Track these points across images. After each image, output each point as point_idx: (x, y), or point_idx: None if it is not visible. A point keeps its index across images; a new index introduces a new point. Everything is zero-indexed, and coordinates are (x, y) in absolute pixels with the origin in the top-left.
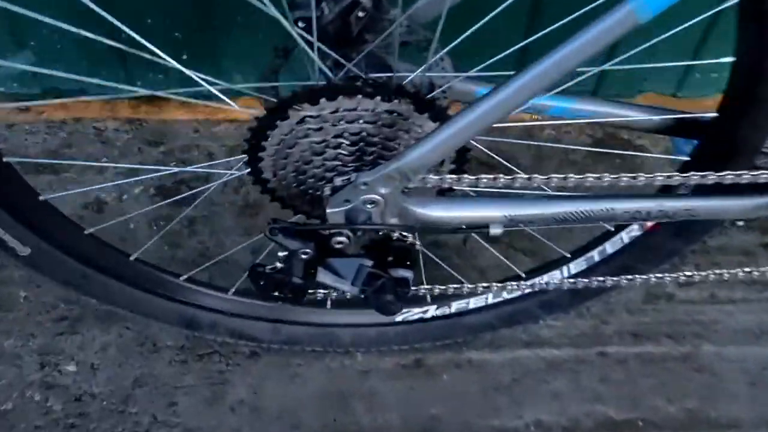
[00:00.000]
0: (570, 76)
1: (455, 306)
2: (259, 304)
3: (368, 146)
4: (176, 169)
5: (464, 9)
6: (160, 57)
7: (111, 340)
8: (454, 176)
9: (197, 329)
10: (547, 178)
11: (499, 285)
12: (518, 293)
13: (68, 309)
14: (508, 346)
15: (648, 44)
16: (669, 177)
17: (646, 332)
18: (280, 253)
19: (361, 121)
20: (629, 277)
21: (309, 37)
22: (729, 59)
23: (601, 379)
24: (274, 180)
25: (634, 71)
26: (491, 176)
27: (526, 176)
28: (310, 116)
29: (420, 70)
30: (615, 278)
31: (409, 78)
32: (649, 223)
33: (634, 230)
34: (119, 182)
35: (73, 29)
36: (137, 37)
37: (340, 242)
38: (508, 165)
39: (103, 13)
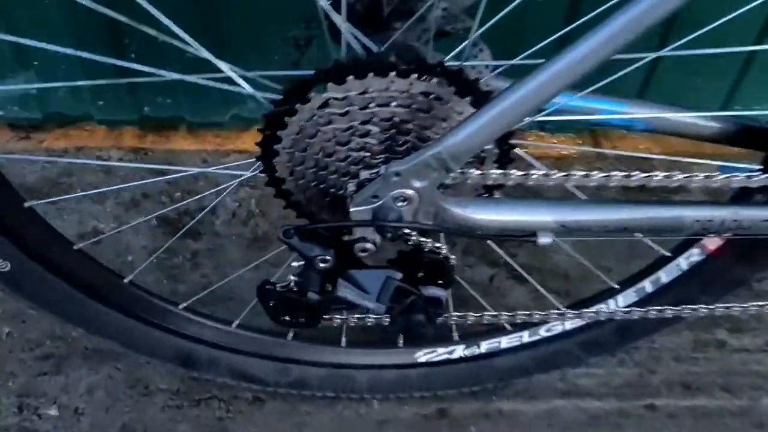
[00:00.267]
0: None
1: (485, 345)
2: (265, 339)
3: (400, 135)
4: (167, 167)
5: None
6: (179, 38)
7: (99, 381)
8: (499, 171)
9: (194, 367)
10: (608, 176)
11: (542, 314)
12: (558, 331)
13: (54, 346)
14: (543, 395)
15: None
16: (749, 178)
17: (697, 383)
18: (294, 265)
19: (393, 105)
20: (691, 307)
21: (336, 16)
22: None
23: None
24: (290, 179)
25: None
26: (542, 172)
27: (583, 172)
28: (335, 99)
29: (451, 55)
30: (674, 308)
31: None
32: (712, 246)
33: (694, 255)
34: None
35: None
36: (154, 11)
37: (364, 249)
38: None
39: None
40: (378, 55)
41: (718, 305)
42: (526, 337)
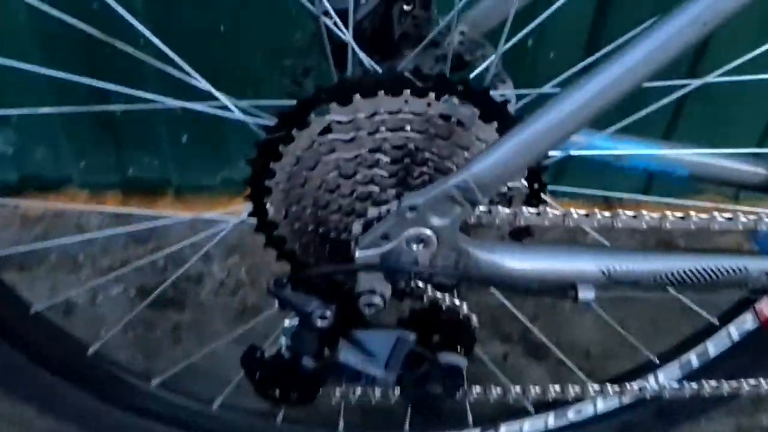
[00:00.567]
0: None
1: (505, 430)
2: (251, 421)
3: (415, 165)
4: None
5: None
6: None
7: None
8: (533, 210)
9: None
10: (661, 217)
11: (577, 390)
12: (588, 414)
13: None
14: None
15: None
16: None
17: None
18: (287, 325)
19: (407, 129)
20: (752, 383)
21: (341, 33)
22: None
23: None
24: (284, 222)
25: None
26: (583, 212)
27: (632, 213)
28: (339, 122)
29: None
30: (733, 383)
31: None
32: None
33: (747, 323)
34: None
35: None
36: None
37: (371, 304)
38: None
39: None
40: (390, 70)
41: None
42: (551, 421)
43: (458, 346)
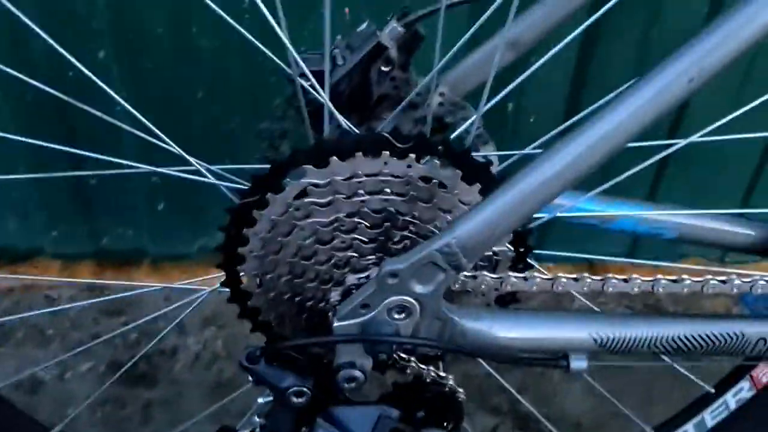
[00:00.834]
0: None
1: None
2: None
3: (395, 230)
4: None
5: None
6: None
7: None
8: (520, 274)
9: None
10: (653, 280)
11: None
12: None
13: None
14: None
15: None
16: None
17: None
18: (261, 402)
19: (386, 192)
20: None
21: (319, 96)
22: None
23: None
24: (258, 292)
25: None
26: (572, 276)
27: (623, 278)
28: (316, 186)
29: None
30: None
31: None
32: (764, 377)
33: (743, 390)
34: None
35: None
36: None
37: (351, 378)
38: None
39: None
40: (368, 131)
41: None
42: None
43: (445, 423)
